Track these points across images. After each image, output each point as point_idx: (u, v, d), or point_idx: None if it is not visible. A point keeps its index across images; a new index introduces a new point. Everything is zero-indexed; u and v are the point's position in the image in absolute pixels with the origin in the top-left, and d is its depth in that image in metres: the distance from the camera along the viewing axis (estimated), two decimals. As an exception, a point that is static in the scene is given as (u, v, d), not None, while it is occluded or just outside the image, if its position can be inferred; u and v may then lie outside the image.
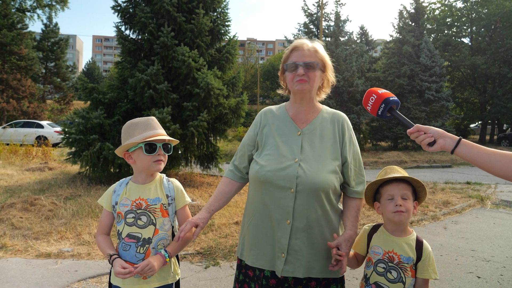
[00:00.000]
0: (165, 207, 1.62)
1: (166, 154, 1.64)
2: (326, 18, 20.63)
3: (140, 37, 8.10)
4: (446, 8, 28.23)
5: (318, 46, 1.61)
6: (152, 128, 1.60)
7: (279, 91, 1.73)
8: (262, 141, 1.64)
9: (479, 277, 3.48)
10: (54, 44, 33.89)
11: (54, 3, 30.12)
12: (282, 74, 1.67)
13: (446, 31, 28.38)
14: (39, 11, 29.98)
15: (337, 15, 20.18)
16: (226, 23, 8.55)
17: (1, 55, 24.74)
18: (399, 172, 1.57)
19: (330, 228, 1.55)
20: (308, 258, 1.50)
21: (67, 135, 7.09)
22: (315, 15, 21.80)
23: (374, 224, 1.66)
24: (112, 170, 7.32)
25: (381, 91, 1.47)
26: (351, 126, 1.69)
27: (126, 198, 1.60)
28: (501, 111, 24.40)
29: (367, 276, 1.57)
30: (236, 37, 8.78)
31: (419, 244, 1.53)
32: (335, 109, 1.74)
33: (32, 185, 6.99)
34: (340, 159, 1.59)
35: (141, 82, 7.17)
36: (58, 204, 5.46)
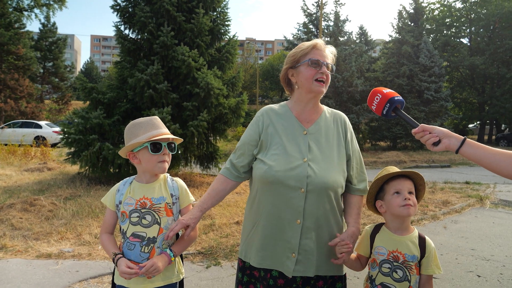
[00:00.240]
0: (170, 206, 1.62)
1: (171, 153, 1.65)
2: (326, 18, 20.68)
3: (139, 36, 8.09)
4: (445, 9, 28.35)
5: (335, 51, 1.64)
6: (157, 128, 1.60)
7: (287, 93, 1.71)
8: (267, 140, 1.61)
9: (479, 276, 3.49)
10: (52, 44, 33.83)
11: (51, 3, 29.95)
12: (294, 69, 1.61)
13: (445, 32, 28.49)
14: (36, 11, 29.99)
15: (337, 15, 20.23)
16: (226, 23, 8.54)
17: (-2, 55, 24.69)
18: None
19: (338, 226, 1.57)
20: (318, 257, 1.51)
21: (66, 135, 7.07)
22: (314, 15, 21.85)
23: (375, 224, 1.66)
24: (111, 170, 7.30)
25: (386, 90, 1.47)
26: (351, 125, 1.71)
27: (131, 197, 1.60)
28: (499, 111, 24.52)
29: (372, 277, 1.57)
30: (236, 37, 8.77)
31: (422, 241, 1.54)
32: (335, 109, 1.75)
33: (31, 186, 6.96)
34: (345, 158, 1.61)
35: (141, 82, 7.16)
36: (58, 204, 5.45)
